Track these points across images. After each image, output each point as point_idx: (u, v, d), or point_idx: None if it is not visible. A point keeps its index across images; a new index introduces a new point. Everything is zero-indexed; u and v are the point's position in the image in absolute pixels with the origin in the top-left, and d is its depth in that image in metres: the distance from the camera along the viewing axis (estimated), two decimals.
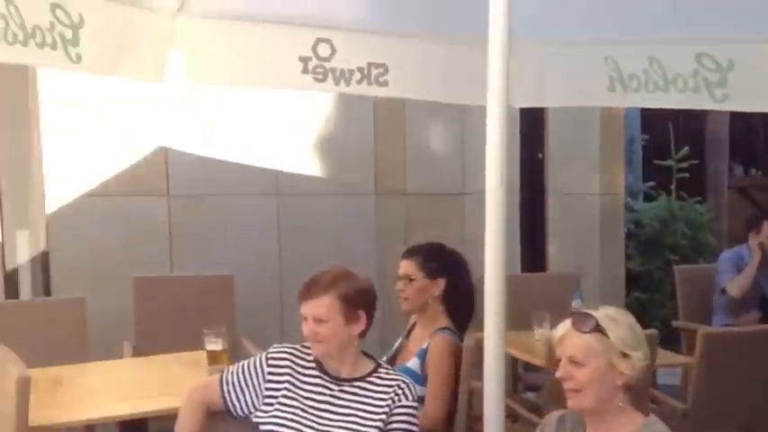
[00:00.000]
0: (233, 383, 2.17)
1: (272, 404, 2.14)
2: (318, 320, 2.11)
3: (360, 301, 2.15)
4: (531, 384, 4.21)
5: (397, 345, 2.83)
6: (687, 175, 7.21)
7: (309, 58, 3.27)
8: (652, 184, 7.52)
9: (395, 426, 2.14)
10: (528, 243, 5.30)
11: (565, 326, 1.85)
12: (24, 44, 2.53)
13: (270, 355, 2.19)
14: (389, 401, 2.14)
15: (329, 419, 2.13)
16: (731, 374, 3.17)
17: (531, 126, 5.28)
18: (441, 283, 2.71)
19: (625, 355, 1.81)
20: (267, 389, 2.15)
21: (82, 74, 2.88)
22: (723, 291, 4.55)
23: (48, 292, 4.15)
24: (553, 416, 1.95)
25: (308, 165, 4.66)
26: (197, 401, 2.19)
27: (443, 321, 2.69)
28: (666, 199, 6.91)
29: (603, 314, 1.85)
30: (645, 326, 1.94)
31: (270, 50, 3.22)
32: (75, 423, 2.46)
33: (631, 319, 1.87)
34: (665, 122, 7.44)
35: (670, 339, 4.30)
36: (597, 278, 5.56)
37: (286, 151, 4.60)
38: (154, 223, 4.33)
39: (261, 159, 4.52)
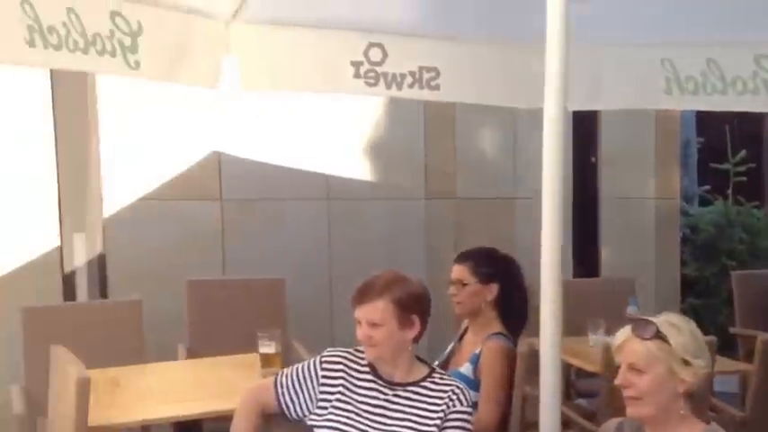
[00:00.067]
0: (287, 386, 2.19)
1: (326, 408, 2.15)
2: (372, 324, 2.12)
3: (414, 306, 2.14)
4: (584, 391, 4.15)
5: (448, 350, 2.82)
6: (744, 178, 7.05)
7: (361, 63, 3.29)
8: (708, 187, 7.37)
9: (450, 431, 2.12)
10: (581, 248, 5.24)
11: (625, 332, 1.83)
12: (85, 51, 2.59)
13: (324, 359, 2.20)
14: (444, 407, 2.13)
15: (383, 424, 2.13)
16: None
17: (584, 129, 5.21)
18: (494, 288, 2.69)
19: (686, 363, 1.78)
20: (321, 392, 2.16)
21: (139, 80, 2.93)
22: None
23: (104, 295, 4.23)
24: (611, 423, 1.92)
25: (359, 168, 4.68)
26: (252, 403, 2.21)
27: (496, 326, 2.67)
28: (723, 203, 6.77)
29: (664, 320, 1.81)
30: (702, 332, 1.90)
31: (322, 55, 3.25)
32: (133, 423, 2.50)
33: (693, 326, 1.84)
34: (721, 125, 7.28)
35: (726, 346, 4.21)
36: (651, 284, 5.46)
37: (337, 155, 4.63)
38: (207, 226, 4.39)
39: (312, 163, 4.55)
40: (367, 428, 2.12)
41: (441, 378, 2.19)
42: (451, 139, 4.87)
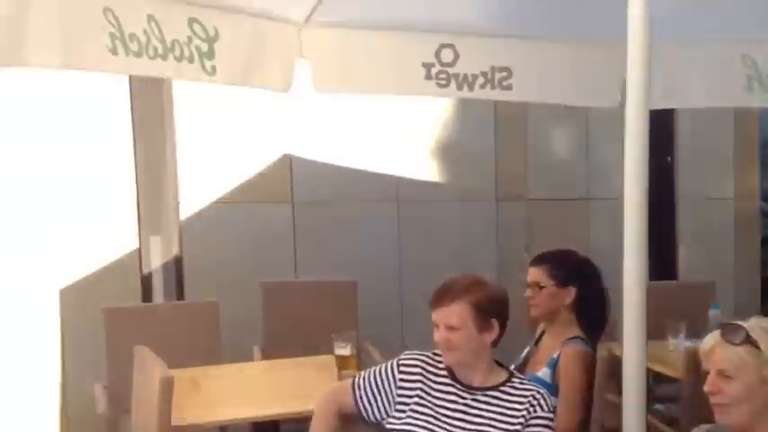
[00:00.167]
0: (365, 389, 2.19)
1: (404, 411, 2.14)
2: (450, 328, 2.10)
3: (493, 310, 2.12)
4: (662, 396, 4.05)
5: (524, 354, 2.78)
6: None
7: (433, 64, 3.28)
8: None
9: None
10: (657, 250, 5.10)
11: (713, 337, 1.77)
12: (164, 58, 2.65)
13: (401, 362, 2.20)
14: (525, 412, 2.10)
15: (463, 428, 2.11)
16: None
17: (660, 128, 5.09)
18: (572, 292, 2.65)
19: None
20: (399, 395, 2.16)
21: (214, 84, 2.98)
22: None
23: (181, 296, 4.32)
24: (701, 430, 1.86)
25: (429, 170, 4.67)
26: (330, 405, 2.22)
27: (574, 330, 2.63)
28: None
29: (755, 324, 1.75)
30: None
31: (393, 58, 3.26)
32: (213, 423, 2.55)
33: None
34: None
35: None
36: (730, 287, 5.30)
37: (407, 157, 4.62)
38: (279, 229, 4.45)
39: (382, 165, 4.56)
40: None
41: (521, 383, 2.16)
42: (523, 139, 4.81)
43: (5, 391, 4.18)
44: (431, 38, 3.26)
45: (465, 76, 3.29)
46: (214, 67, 2.80)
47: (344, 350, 2.92)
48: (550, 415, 2.14)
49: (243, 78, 2.98)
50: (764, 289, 5.88)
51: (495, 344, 2.15)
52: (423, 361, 2.19)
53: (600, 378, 2.53)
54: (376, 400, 2.17)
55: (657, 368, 3.35)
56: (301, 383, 2.89)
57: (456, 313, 2.10)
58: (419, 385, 2.15)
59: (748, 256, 5.61)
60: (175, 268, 4.41)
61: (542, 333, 2.77)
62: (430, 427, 2.12)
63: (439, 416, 2.12)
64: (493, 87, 3.32)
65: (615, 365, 2.24)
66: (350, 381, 2.24)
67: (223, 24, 2.79)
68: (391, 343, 3.96)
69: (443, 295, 2.13)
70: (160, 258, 4.41)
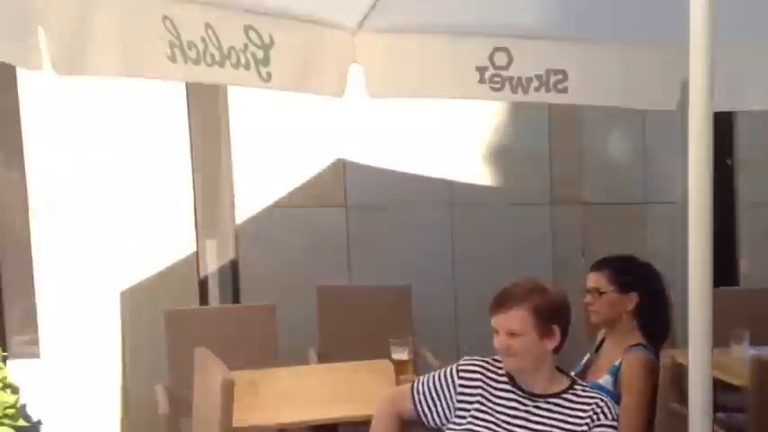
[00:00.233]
0: (424, 394, 2.19)
1: (464, 417, 2.13)
2: (511, 334, 2.08)
3: (554, 315, 2.10)
4: (725, 404, 3.95)
5: (585, 360, 2.74)
6: None
7: (486, 68, 3.26)
8: None
9: None
10: (717, 255, 4.98)
11: None
12: (221, 65, 2.69)
13: (461, 368, 2.19)
14: (588, 420, 2.07)
15: None
16: None
17: (719, 130, 4.96)
18: (633, 298, 2.60)
19: None
20: (459, 401, 2.15)
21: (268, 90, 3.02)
22: None
23: (237, 299, 4.38)
24: None
25: (482, 174, 4.64)
26: (390, 410, 2.22)
27: (636, 337, 2.58)
28: None
29: None
30: None
31: (447, 62, 3.25)
32: (273, 426, 2.57)
33: None
34: None
35: None
36: None
37: (460, 161, 4.61)
38: (333, 233, 4.47)
39: (435, 170, 4.55)
40: None
41: (583, 390, 2.13)
42: (578, 142, 4.75)
43: (69, 392, 4.29)
44: (484, 41, 3.24)
45: (519, 79, 3.26)
46: (269, 74, 2.83)
47: (402, 355, 2.92)
48: (614, 423, 2.10)
49: (297, 84, 3.01)
50: None
51: (556, 350, 2.13)
52: (482, 367, 2.18)
53: (664, 386, 2.48)
54: (435, 406, 2.16)
55: (721, 376, 3.27)
56: (359, 387, 2.90)
57: (517, 319, 2.08)
58: (479, 391, 2.14)
59: None
60: (231, 271, 4.47)
61: (603, 340, 2.73)
62: None
63: (500, 422, 2.11)
64: (548, 90, 3.29)
65: (678, 373, 2.19)
66: (408, 386, 2.23)
67: (278, 31, 2.82)
68: (445, 348, 3.95)
69: (503, 300, 2.11)
70: (216, 262, 4.48)
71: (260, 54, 2.79)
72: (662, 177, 4.57)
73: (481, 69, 3.25)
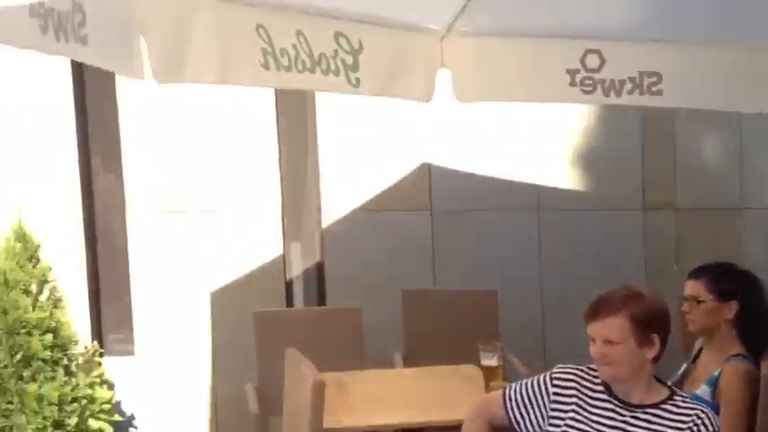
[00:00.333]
0: (516, 401, 2.17)
1: (558, 426, 2.10)
2: (608, 342, 2.04)
3: (654, 324, 2.04)
4: None
5: (682, 370, 2.67)
6: None
7: (578, 71, 3.20)
8: None
9: None
10: None
11: None
12: (312, 71, 2.73)
13: (554, 375, 2.16)
14: (688, 431, 2.02)
15: None
16: None
17: None
18: (733, 306, 2.52)
19: None
20: (553, 409, 2.12)
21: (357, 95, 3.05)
22: None
23: (322, 302, 4.44)
24: None
25: (570, 178, 4.56)
26: (481, 415, 2.21)
27: (736, 347, 2.50)
28: None
29: None
30: None
31: (536, 65, 3.20)
32: (363, 428, 2.59)
33: None
34: None
35: None
36: None
37: (547, 165, 4.54)
38: (418, 237, 4.47)
39: (521, 173, 4.50)
40: None
41: (683, 401, 2.07)
42: (671, 145, 4.61)
43: (161, 389, 4.43)
44: (575, 44, 3.18)
45: (612, 81, 3.18)
46: (358, 79, 2.86)
47: (491, 361, 2.90)
48: None
49: (386, 89, 3.03)
50: None
51: (655, 360, 2.07)
52: (577, 375, 2.14)
53: (764, 398, 2.39)
54: (528, 413, 2.14)
55: None
56: (446, 392, 2.89)
57: (615, 327, 2.03)
58: (574, 400, 2.10)
59: None
60: (317, 274, 4.54)
61: (700, 349, 2.65)
62: None
63: None
64: (641, 93, 3.20)
65: None
66: (500, 392, 2.22)
67: (367, 37, 2.84)
68: (532, 354, 3.89)
69: (601, 308, 2.06)
70: (302, 265, 4.55)
71: (349, 60, 2.82)
72: (760, 182, 4.39)
73: (572, 72, 3.18)
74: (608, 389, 2.11)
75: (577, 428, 2.09)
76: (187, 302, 4.43)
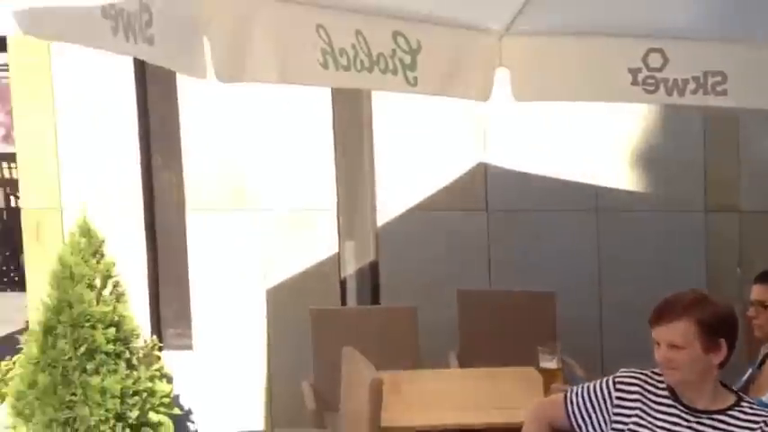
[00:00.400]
0: (578, 404, 2.14)
1: (621, 430, 2.07)
2: (673, 347, 2.00)
3: (721, 329, 2.00)
4: None
5: (746, 376, 2.61)
6: None
7: (639, 70, 3.14)
8: None
9: None
10: None
11: None
12: (370, 71, 2.73)
13: (618, 380, 2.12)
14: None
15: None
16: None
17: None
18: None
19: None
20: (616, 414, 2.09)
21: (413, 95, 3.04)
22: None
23: (376, 300, 4.45)
24: None
25: (630, 179, 4.48)
26: (541, 418, 2.20)
27: None
28: None
29: None
30: None
31: (597, 64, 3.15)
32: (419, 427, 2.59)
33: None
34: None
35: None
36: None
37: (606, 165, 4.47)
38: (473, 237, 4.45)
39: (579, 173, 4.43)
40: None
41: (750, 407, 2.02)
42: (734, 146, 4.49)
43: (218, 383, 4.50)
44: (637, 42, 3.12)
45: (675, 81, 3.11)
46: (416, 78, 2.85)
47: (551, 363, 2.87)
48: None
49: (443, 89, 3.01)
50: None
51: (722, 365, 2.02)
52: (641, 379, 2.10)
53: None
54: (591, 417, 2.11)
55: None
56: (504, 394, 2.87)
57: (680, 331, 1.99)
58: (638, 405, 2.07)
59: None
60: (371, 273, 4.55)
61: (766, 354, 2.59)
62: None
63: None
64: (705, 93, 3.12)
65: None
66: (561, 395, 2.19)
67: (425, 36, 2.83)
68: (589, 357, 3.84)
69: (666, 311, 2.02)
70: (356, 263, 4.57)
71: (407, 59, 2.81)
72: None
73: (634, 71, 3.12)
74: (673, 394, 2.07)
75: None
76: (244, 299, 4.49)
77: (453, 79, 3.01)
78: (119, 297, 4.04)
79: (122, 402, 3.86)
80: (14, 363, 4.17)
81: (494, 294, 4.15)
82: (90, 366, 3.84)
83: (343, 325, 3.67)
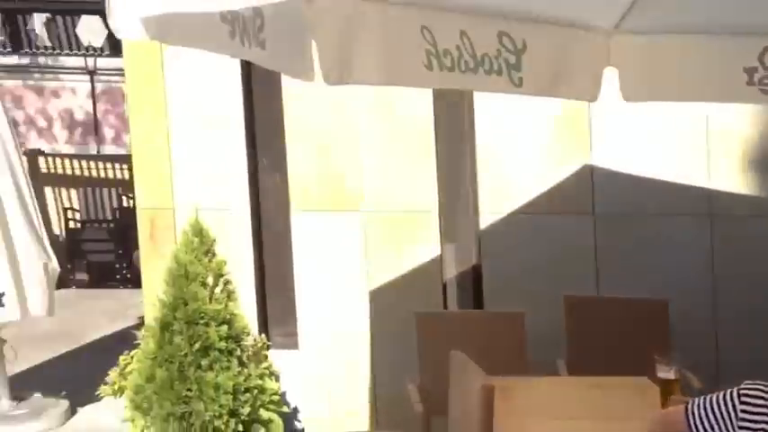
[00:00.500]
0: (700, 417, 2.05)
1: None
2: None
3: None
4: None
5: None
6: None
7: (756, 69, 3.00)
8: None
9: None
10: None
11: None
12: (474, 71, 2.71)
13: (743, 392, 2.02)
14: None
15: None
16: None
17: None
18: None
19: None
20: (740, 428, 1.99)
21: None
22: None
23: (479, 305, 4.41)
24: None
25: (746, 184, 4.27)
26: (660, 430, 2.12)
27: None
28: None
29: None
30: None
31: (710, 63, 3.03)
32: None
33: None
34: None
35: None
36: None
37: (719, 168, 4.28)
38: (579, 241, 4.35)
39: (690, 177, 4.27)
40: None
41: None
42: None
43: (324, 383, 4.56)
44: (753, 41, 2.98)
45: None
46: (521, 79, 2.81)
47: (668, 374, 2.76)
48: None
49: (549, 89, 2.96)
50: None
51: None
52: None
53: None
54: (713, 431, 2.03)
55: None
56: (619, 404, 2.76)
57: None
58: (765, 419, 1.97)
59: None
60: (473, 276, 4.51)
61: None
62: None
63: None
64: None
65: None
66: (682, 407, 2.10)
67: (531, 36, 2.79)
68: (706, 369, 3.69)
69: None
70: (458, 267, 4.55)
71: (512, 59, 2.78)
72: None
73: (750, 70, 2.98)
74: None
75: None
76: (347, 299, 4.53)
77: (559, 79, 2.95)
78: (230, 295, 4.12)
79: (235, 399, 3.92)
80: (132, 357, 4.31)
81: (603, 301, 4.03)
82: (204, 362, 3.92)
83: (450, 329, 3.64)
